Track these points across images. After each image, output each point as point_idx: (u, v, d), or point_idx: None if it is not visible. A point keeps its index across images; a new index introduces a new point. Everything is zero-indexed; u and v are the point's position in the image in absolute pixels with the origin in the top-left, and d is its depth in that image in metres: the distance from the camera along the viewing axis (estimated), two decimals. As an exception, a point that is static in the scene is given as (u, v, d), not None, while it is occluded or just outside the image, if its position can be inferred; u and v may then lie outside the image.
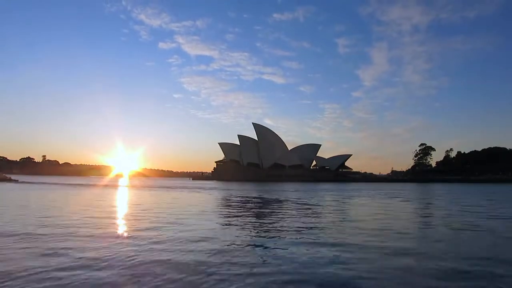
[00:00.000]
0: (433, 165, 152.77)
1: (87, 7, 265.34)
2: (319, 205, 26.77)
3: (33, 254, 9.07)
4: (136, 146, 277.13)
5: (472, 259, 9.16)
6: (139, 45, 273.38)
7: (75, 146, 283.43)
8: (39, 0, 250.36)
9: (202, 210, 22.99)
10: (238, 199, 33.68)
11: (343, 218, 18.93)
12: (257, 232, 13.45)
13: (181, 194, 41.32)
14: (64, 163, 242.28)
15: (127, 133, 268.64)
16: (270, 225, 15.29)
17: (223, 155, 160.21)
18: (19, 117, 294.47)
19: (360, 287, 6.86)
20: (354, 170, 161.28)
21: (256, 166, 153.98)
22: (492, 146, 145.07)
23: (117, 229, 14.14)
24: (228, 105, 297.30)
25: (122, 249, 9.72)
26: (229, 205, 26.82)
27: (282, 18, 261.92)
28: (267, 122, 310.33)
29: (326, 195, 41.92)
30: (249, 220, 17.18)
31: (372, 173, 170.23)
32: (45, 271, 7.48)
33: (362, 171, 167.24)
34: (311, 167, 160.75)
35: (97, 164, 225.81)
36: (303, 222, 16.29)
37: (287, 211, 22.37)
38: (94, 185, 66.33)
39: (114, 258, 8.71)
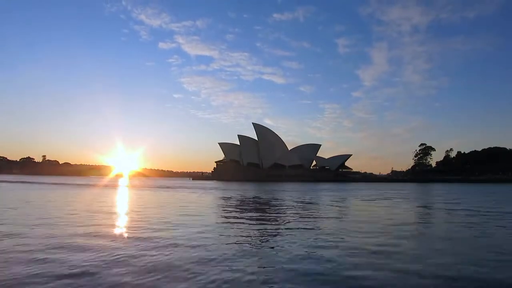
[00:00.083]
0: (433, 165, 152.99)
1: (87, 7, 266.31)
2: (318, 206, 26.73)
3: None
4: (136, 146, 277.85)
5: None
6: (139, 45, 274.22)
7: (75, 146, 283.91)
8: (39, 0, 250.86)
9: (201, 211, 22.95)
10: (238, 199, 33.66)
11: (343, 219, 18.89)
12: (255, 235, 13.41)
13: (181, 195, 41.29)
14: (64, 163, 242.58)
15: (127, 133, 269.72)
16: (269, 227, 15.26)
17: (223, 155, 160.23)
18: (19, 117, 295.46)
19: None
20: (354, 170, 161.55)
21: (256, 166, 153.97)
22: (492, 146, 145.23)
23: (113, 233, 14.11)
24: (228, 105, 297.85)
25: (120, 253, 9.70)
26: (229, 206, 26.80)
27: (282, 18, 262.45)
28: (267, 122, 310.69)
29: (326, 195, 41.87)
30: (248, 221, 17.14)
31: (372, 173, 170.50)
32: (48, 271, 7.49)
33: (362, 171, 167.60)
34: (311, 167, 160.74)
35: (97, 164, 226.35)
36: (302, 223, 16.24)
37: (286, 212, 22.32)
38: (93, 185, 66.31)
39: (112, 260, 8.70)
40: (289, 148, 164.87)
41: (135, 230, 13.25)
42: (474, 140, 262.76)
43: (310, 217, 18.59)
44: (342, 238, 11.96)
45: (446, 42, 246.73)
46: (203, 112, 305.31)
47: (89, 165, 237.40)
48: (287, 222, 16.32)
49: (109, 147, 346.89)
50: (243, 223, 16.07)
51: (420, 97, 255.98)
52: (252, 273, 7.60)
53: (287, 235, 12.72)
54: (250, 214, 20.66)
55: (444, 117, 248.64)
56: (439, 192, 52.56)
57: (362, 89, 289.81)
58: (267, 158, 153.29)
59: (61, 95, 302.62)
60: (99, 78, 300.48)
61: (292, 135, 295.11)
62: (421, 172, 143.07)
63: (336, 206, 26.55)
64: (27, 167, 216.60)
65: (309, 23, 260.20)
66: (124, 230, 13.85)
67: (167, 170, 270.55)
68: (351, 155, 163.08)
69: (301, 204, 27.21)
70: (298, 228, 14.20)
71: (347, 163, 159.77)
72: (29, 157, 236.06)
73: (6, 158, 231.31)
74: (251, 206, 26.27)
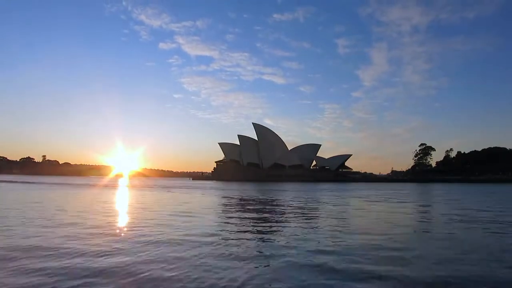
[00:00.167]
0: (433, 165, 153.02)
1: (87, 7, 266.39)
2: (318, 206, 26.69)
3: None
4: (136, 146, 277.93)
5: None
6: (139, 46, 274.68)
7: (75, 146, 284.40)
8: (39, 0, 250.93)
9: (201, 211, 22.92)
10: (238, 199, 33.63)
11: (343, 221, 18.85)
12: (254, 237, 13.36)
13: (182, 195, 41.26)
14: (64, 163, 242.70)
15: (127, 133, 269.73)
16: (268, 228, 15.22)
17: (223, 155, 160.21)
18: (19, 117, 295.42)
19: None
20: (354, 170, 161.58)
21: (256, 166, 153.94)
22: (492, 146, 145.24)
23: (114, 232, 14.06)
24: (228, 105, 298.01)
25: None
26: (229, 206, 26.76)
27: (282, 19, 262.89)
28: (267, 122, 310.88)
29: (326, 195, 41.82)
30: (247, 222, 17.10)
31: (372, 173, 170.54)
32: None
33: (362, 171, 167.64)
34: (311, 167, 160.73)
35: (97, 164, 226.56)
36: (301, 225, 16.19)
37: (286, 213, 22.28)
38: (93, 186, 66.27)
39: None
40: (289, 148, 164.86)
41: (131, 230, 13.22)
42: (474, 140, 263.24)
43: (309, 217, 18.54)
44: (341, 239, 11.92)
45: (446, 42, 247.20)
46: (203, 112, 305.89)
47: (89, 165, 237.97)
48: (285, 222, 16.28)
49: (109, 147, 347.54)
50: (242, 224, 16.01)
51: (420, 97, 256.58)
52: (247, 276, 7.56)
53: (285, 239, 12.66)
54: (248, 214, 20.61)
55: (444, 117, 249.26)
56: (439, 192, 52.52)
57: (362, 89, 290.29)
58: (267, 158, 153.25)
59: (61, 95, 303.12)
60: (99, 78, 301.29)
61: (292, 135, 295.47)
62: (421, 172, 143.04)
63: (336, 206, 26.49)
64: (27, 167, 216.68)
65: (309, 24, 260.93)
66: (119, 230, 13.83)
67: (167, 170, 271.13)
68: (351, 155, 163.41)
69: (300, 204, 27.15)
70: (296, 229, 14.16)
71: (347, 163, 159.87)
72: (29, 157, 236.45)
73: (6, 158, 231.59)
74: (250, 206, 26.22)
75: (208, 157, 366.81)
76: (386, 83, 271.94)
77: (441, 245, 11.16)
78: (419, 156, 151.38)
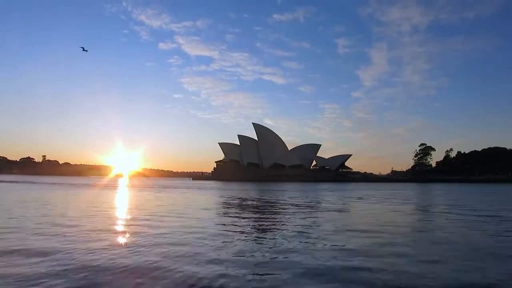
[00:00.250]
0: (433, 165, 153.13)
1: (87, 8, 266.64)
2: (319, 207, 26.68)
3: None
4: (136, 146, 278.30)
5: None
6: (140, 46, 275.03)
7: (75, 146, 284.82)
8: (39, 0, 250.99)
9: (202, 211, 22.91)
10: (238, 199, 33.61)
11: (343, 222, 18.83)
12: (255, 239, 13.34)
13: (183, 195, 41.24)
14: (64, 163, 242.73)
15: (127, 133, 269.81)
16: (267, 228, 15.19)
17: (223, 155, 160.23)
18: (19, 117, 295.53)
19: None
20: (354, 170, 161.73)
21: (256, 166, 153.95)
22: (492, 146, 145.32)
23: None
24: (228, 105, 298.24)
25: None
26: (229, 206, 26.74)
27: (282, 19, 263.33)
28: (267, 122, 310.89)
29: (326, 195, 41.81)
30: (245, 223, 17.09)
31: (372, 173, 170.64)
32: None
33: (362, 171, 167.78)
34: (311, 167, 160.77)
35: (97, 164, 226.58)
36: (300, 227, 16.17)
37: (286, 214, 22.25)
38: (93, 186, 66.26)
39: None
40: (289, 148, 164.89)
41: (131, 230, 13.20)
42: (474, 140, 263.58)
43: (308, 219, 18.53)
44: (340, 241, 11.91)
45: (446, 42, 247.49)
46: (203, 112, 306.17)
47: (89, 165, 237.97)
48: (283, 223, 16.27)
49: (109, 147, 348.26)
50: (242, 225, 16.00)
51: (420, 97, 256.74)
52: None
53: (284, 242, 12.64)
54: (247, 215, 20.60)
55: (444, 117, 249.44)
56: (439, 192, 52.50)
57: (362, 89, 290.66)
58: (267, 158, 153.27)
59: (61, 95, 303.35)
60: (99, 78, 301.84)
61: (292, 135, 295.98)
62: (421, 172, 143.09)
63: (336, 206, 26.47)
64: (27, 167, 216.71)
65: (309, 24, 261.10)
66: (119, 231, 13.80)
67: (167, 170, 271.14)
68: (351, 155, 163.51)
69: (300, 205, 27.13)
70: (296, 231, 14.14)
71: (347, 163, 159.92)
72: (29, 157, 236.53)
73: (6, 158, 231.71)
74: (249, 206, 26.21)
75: (208, 157, 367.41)
76: (386, 83, 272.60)
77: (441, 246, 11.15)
78: (419, 156, 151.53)
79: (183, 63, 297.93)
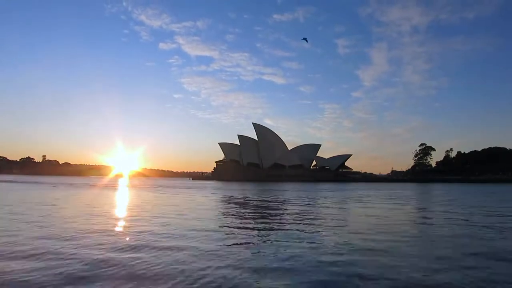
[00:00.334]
0: (433, 165, 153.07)
1: (87, 8, 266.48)
2: (318, 206, 26.69)
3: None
4: (136, 146, 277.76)
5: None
6: (140, 46, 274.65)
7: (75, 146, 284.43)
8: (39, 0, 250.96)
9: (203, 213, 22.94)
10: (238, 199, 33.63)
11: (343, 222, 18.86)
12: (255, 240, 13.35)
13: (184, 195, 41.25)
14: (64, 163, 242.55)
15: (127, 133, 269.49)
16: (267, 229, 15.22)
17: (223, 155, 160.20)
18: (19, 117, 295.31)
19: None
20: (354, 170, 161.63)
21: (256, 166, 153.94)
22: (492, 146, 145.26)
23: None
24: (228, 105, 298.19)
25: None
26: (229, 205, 26.78)
27: (282, 19, 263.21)
28: (267, 122, 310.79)
29: (326, 195, 41.82)
30: (244, 224, 17.10)
31: (372, 173, 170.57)
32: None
33: (362, 171, 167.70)
34: (311, 167, 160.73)
35: (97, 164, 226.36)
36: (301, 230, 16.18)
37: (284, 213, 22.27)
38: (93, 186, 66.27)
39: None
40: (289, 148, 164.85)
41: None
42: (474, 140, 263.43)
43: (308, 219, 18.56)
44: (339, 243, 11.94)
45: (446, 42, 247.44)
46: (203, 112, 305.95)
47: (89, 165, 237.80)
48: (282, 225, 16.29)
49: (109, 147, 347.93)
50: (242, 227, 16.02)
51: (420, 97, 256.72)
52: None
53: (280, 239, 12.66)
54: (246, 215, 20.63)
55: (444, 117, 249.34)
56: (440, 192, 52.53)
57: (362, 89, 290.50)
58: (267, 158, 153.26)
59: (61, 95, 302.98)
60: (99, 78, 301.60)
61: (292, 135, 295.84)
62: (421, 172, 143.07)
63: (335, 207, 26.50)
64: (27, 167, 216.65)
65: (309, 24, 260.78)
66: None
67: (167, 170, 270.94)
68: (351, 155, 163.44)
69: (300, 205, 27.16)
70: (295, 233, 14.17)
71: (347, 163, 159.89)
72: (29, 157, 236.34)
73: (6, 158, 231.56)
74: (249, 207, 26.24)
75: (208, 157, 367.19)
76: (386, 83, 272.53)
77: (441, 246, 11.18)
78: (419, 156, 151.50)
79: (183, 63, 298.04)
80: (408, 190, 59.53)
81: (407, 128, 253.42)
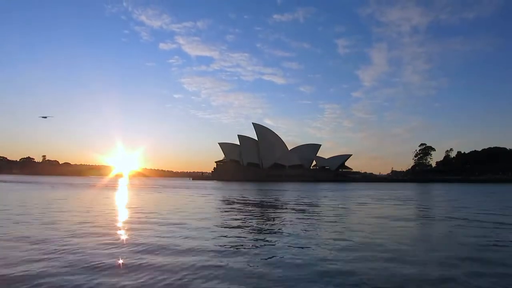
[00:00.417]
0: (433, 165, 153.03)
1: (87, 8, 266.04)
2: (318, 207, 26.68)
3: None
4: (136, 146, 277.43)
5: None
6: (140, 46, 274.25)
7: (75, 146, 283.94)
8: (39, 0, 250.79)
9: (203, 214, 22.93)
10: (238, 199, 33.61)
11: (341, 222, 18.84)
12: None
13: (185, 195, 41.22)
14: (64, 163, 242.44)
15: (127, 133, 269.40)
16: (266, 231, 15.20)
17: (223, 155, 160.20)
18: (19, 117, 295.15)
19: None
20: (354, 170, 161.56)
21: (256, 166, 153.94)
22: (492, 146, 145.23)
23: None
24: (228, 105, 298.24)
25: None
26: (230, 205, 26.76)
27: (282, 19, 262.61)
28: (267, 122, 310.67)
29: (326, 196, 41.80)
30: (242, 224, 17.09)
31: (372, 173, 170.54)
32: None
33: (362, 171, 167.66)
34: (311, 167, 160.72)
35: (97, 164, 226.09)
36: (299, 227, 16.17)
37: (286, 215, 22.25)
38: (93, 185, 66.27)
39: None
40: (289, 148, 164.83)
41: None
42: (474, 140, 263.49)
43: (308, 220, 18.55)
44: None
45: (446, 42, 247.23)
46: (203, 112, 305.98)
47: (89, 165, 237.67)
48: (282, 225, 16.28)
49: (109, 147, 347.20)
50: (240, 227, 16.02)
51: (420, 97, 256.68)
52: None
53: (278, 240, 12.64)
54: (248, 215, 20.63)
55: (444, 117, 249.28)
56: (440, 192, 52.52)
57: (362, 90, 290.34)
58: (267, 158, 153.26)
59: (61, 95, 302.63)
60: (99, 78, 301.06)
61: (292, 135, 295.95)
62: (421, 172, 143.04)
63: (335, 207, 26.50)
64: (27, 167, 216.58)
65: (309, 24, 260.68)
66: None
67: (167, 170, 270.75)
68: (351, 155, 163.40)
69: (300, 205, 27.15)
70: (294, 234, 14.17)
71: (347, 163, 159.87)
72: (29, 157, 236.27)
73: (6, 158, 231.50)
74: (250, 206, 26.23)
75: (208, 157, 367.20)
76: (386, 83, 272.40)
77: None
78: (419, 156, 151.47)
79: (183, 63, 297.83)
80: (408, 190, 59.52)
81: (407, 128, 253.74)
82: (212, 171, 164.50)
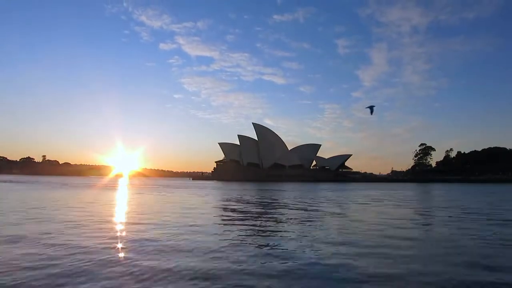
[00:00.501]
0: (433, 165, 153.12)
1: (87, 8, 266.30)
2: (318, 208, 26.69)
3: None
4: (136, 146, 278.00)
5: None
6: (140, 46, 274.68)
7: (75, 146, 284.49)
8: (39, 0, 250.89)
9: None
10: (238, 199, 33.62)
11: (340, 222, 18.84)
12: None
13: (186, 195, 41.22)
14: (64, 163, 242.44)
15: (127, 133, 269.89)
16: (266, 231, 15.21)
17: (223, 155, 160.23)
18: (19, 117, 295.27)
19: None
20: (354, 170, 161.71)
21: (256, 166, 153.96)
22: (492, 146, 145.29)
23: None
24: (228, 105, 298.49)
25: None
26: (229, 206, 26.77)
27: (282, 19, 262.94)
28: (267, 122, 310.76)
29: (326, 195, 41.81)
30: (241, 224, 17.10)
31: (372, 173, 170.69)
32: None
33: (362, 171, 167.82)
34: (311, 167, 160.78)
35: (97, 164, 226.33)
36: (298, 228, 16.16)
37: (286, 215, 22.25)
38: (93, 185, 66.28)
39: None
40: (289, 148, 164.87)
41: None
42: (474, 140, 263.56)
43: (308, 220, 18.56)
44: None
45: (446, 43, 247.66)
46: (203, 112, 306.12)
47: (89, 165, 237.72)
48: (281, 226, 16.28)
49: (109, 147, 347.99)
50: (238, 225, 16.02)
51: (419, 98, 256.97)
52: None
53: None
54: (248, 215, 20.63)
55: (444, 117, 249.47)
56: (440, 192, 52.52)
57: (362, 90, 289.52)
58: (267, 158, 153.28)
59: (61, 95, 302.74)
60: (99, 78, 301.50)
61: (292, 135, 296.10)
62: (421, 172, 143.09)
63: (335, 208, 26.50)
64: (27, 167, 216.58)
65: (309, 24, 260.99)
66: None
67: (167, 170, 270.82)
68: (351, 155, 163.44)
69: (299, 205, 27.16)
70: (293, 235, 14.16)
71: (347, 163, 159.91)
72: (29, 157, 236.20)
73: (6, 158, 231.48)
74: (250, 206, 26.24)
75: (208, 157, 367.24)
76: (386, 83, 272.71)
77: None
78: (419, 156, 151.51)
79: (183, 64, 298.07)
80: (409, 190, 59.53)
81: (407, 128, 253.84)
82: (212, 171, 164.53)
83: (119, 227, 14.58)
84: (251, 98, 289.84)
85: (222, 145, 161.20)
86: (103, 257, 8.81)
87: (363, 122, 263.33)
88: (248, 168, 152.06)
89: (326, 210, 22.78)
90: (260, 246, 10.71)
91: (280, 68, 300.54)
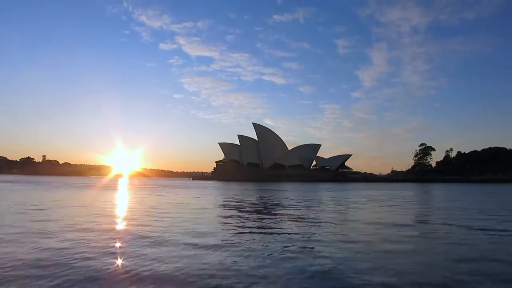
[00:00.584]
0: (433, 165, 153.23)
1: (87, 8, 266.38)
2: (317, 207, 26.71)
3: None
4: (136, 146, 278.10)
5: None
6: (140, 46, 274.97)
7: (75, 146, 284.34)
8: (39, 0, 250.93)
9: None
10: (238, 199, 33.64)
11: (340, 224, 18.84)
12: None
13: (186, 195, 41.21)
14: (64, 163, 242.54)
15: (127, 133, 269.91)
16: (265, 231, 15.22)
17: (223, 155, 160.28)
18: (19, 117, 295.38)
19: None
20: (354, 170, 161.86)
21: (256, 166, 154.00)
22: (492, 146, 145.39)
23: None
24: (228, 105, 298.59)
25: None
26: (229, 205, 26.78)
27: (282, 19, 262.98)
28: (267, 122, 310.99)
29: (326, 196, 41.82)
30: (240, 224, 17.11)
31: (372, 173, 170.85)
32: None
33: (362, 171, 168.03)
34: (311, 167, 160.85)
35: (97, 164, 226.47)
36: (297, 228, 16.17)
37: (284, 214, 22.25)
38: (93, 185, 66.31)
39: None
40: (289, 148, 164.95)
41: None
42: (474, 140, 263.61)
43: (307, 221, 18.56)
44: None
45: (446, 43, 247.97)
46: (203, 112, 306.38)
47: (89, 165, 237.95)
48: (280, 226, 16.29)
49: (109, 147, 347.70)
50: (241, 226, 16.03)
51: (419, 98, 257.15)
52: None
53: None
54: (247, 215, 20.64)
55: (444, 117, 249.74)
56: (440, 192, 52.54)
57: (361, 90, 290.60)
58: (267, 158, 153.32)
59: (61, 95, 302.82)
60: (99, 78, 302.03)
61: (292, 135, 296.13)
62: (421, 172, 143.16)
63: (335, 208, 26.52)
64: (27, 167, 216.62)
65: (309, 24, 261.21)
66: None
67: (167, 170, 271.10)
68: (351, 155, 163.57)
69: (299, 205, 27.17)
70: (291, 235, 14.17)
71: (347, 163, 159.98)
72: (29, 157, 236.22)
73: (6, 158, 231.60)
74: (249, 207, 26.25)
75: (208, 157, 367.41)
76: (386, 84, 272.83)
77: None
78: (419, 156, 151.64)
79: (183, 64, 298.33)
80: (409, 190, 59.56)
81: (407, 128, 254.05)
82: (212, 171, 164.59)
83: (119, 227, 14.60)
84: (251, 98, 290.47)
85: (222, 145, 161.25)
86: (103, 257, 8.83)
87: (363, 122, 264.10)
88: (248, 168, 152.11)
89: (326, 210, 22.80)
90: (260, 246, 10.72)
91: (280, 68, 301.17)
